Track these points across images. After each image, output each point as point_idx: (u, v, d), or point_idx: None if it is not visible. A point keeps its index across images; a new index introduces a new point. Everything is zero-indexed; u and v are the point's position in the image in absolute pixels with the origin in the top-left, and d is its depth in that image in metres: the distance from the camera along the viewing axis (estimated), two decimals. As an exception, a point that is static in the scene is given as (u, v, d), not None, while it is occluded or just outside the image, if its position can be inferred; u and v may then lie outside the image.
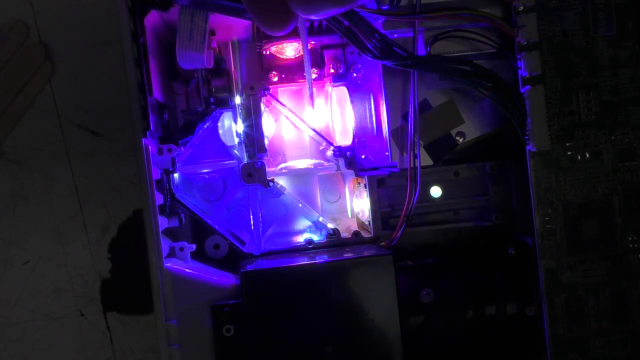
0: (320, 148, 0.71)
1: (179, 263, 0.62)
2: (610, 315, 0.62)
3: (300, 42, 0.66)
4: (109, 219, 0.81)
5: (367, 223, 0.69)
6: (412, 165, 0.66)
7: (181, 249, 0.64)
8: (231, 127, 0.69)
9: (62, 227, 0.81)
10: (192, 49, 0.58)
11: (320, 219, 0.70)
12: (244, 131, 0.66)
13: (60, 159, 0.80)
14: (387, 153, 0.68)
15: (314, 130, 0.70)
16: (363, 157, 0.67)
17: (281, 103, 0.69)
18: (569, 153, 0.62)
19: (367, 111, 0.69)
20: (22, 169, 0.80)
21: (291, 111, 0.70)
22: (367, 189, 0.68)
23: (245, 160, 0.66)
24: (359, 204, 0.72)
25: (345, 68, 0.68)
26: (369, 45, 0.61)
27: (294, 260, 0.62)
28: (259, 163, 0.65)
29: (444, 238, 0.70)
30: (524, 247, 0.65)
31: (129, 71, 0.59)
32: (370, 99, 0.69)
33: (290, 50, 0.69)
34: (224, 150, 0.68)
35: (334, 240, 0.69)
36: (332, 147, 0.68)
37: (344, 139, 0.70)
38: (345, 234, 0.70)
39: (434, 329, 0.64)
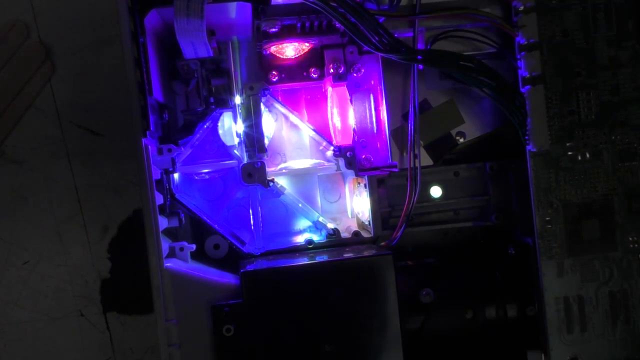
0: (320, 148, 0.71)
1: (179, 263, 0.62)
2: (610, 315, 0.62)
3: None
4: (109, 219, 0.81)
5: (367, 223, 0.69)
6: (412, 165, 0.66)
7: (181, 249, 0.64)
8: (231, 127, 0.69)
9: (62, 227, 0.81)
10: (190, 14, 0.57)
11: (321, 219, 0.70)
12: (244, 131, 0.66)
13: (60, 159, 0.80)
14: (387, 153, 0.68)
15: (314, 130, 0.70)
16: (363, 157, 0.67)
17: (281, 103, 0.69)
18: (569, 153, 0.62)
19: (367, 111, 0.69)
20: (22, 169, 0.80)
21: (291, 111, 0.70)
22: (367, 189, 0.68)
23: (245, 160, 0.66)
24: (359, 204, 0.72)
25: (345, 68, 0.68)
26: (373, 41, 0.61)
27: (294, 260, 0.62)
28: (259, 163, 0.65)
29: (444, 238, 0.70)
30: (524, 247, 0.65)
31: (129, 71, 0.59)
32: (370, 99, 0.69)
33: (290, 50, 0.69)
34: (224, 150, 0.68)
35: (334, 240, 0.69)
36: (332, 147, 0.68)
37: (344, 139, 0.69)
38: (345, 234, 0.70)
39: (434, 329, 0.64)
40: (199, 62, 0.66)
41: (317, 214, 0.71)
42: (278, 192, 0.68)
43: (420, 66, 0.67)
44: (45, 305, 0.80)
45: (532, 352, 0.65)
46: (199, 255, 0.67)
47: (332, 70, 0.68)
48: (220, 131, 0.69)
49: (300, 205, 0.70)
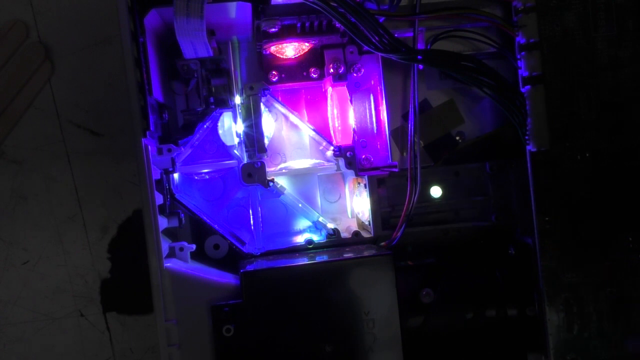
0: (320, 148, 0.71)
1: (179, 263, 0.62)
2: (610, 315, 0.62)
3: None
4: (109, 219, 0.81)
5: (367, 223, 0.69)
6: (412, 165, 0.66)
7: (181, 249, 0.64)
8: (231, 127, 0.69)
9: (62, 227, 0.80)
10: (190, 14, 0.57)
11: (320, 219, 0.70)
12: (244, 131, 0.66)
13: (60, 159, 0.80)
14: (387, 153, 0.68)
15: (314, 130, 0.70)
16: (363, 157, 0.67)
17: (281, 103, 0.69)
18: (569, 153, 0.62)
19: (367, 111, 0.69)
20: (22, 169, 0.80)
21: (291, 111, 0.70)
22: (367, 189, 0.68)
23: (245, 160, 0.66)
24: (359, 204, 0.72)
25: (345, 68, 0.68)
26: (373, 41, 0.61)
27: (294, 260, 0.62)
28: (258, 163, 0.65)
29: (444, 238, 0.70)
30: (524, 247, 0.65)
31: (129, 71, 0.59)
32: (370, 99, 0.69)
33: (290, 50, 0.69)
34: (224, 150, 0.68)
35: (334, 240, 0.69)
36: (332, 147, 0.68)
37: (344, 139, 0.70)
38: (345, 234, 0.70)
39: (434, 329, 0.64)
40: (199, 62, 0.66)
41: (317, 214, 0.71)
42: (278, 192, 0.68)
43: (420, 66, 0.67)
44: (45, 305, 0.80)
45: (532, 352, 0.65)
46: (199, 255, 0.67)
47: (332, 70, 0.68)
48: (220, 131, 0.69)
49: (300, 205, 0.70)
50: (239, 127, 0.67)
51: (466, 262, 0.67)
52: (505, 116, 0.65)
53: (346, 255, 0.63)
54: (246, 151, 0.66)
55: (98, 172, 0.80)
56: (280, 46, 0.68)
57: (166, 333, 0.59)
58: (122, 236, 0.81)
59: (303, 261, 0.62)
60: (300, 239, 0.69)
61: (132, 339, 0.81)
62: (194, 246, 0.65)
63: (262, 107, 0.67)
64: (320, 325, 0.60)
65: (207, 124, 0.67)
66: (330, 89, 0.71)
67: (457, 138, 0.70)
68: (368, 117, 0.69)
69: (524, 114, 0.62)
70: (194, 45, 0.61)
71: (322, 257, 0.64)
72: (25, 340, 0.80)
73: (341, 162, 0.68)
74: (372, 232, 0.68)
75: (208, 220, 0.67)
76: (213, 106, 0.67)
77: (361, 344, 0.61)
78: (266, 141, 0.68)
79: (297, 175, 0.73)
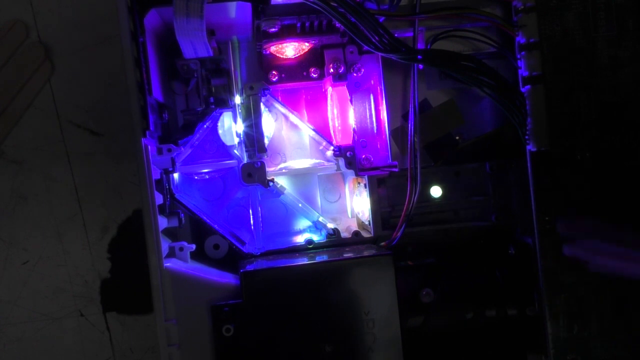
0: (320, 148, 0.71)
1: (178, 263, 0.62)
2: (610, 315, 0.62)
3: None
4: (109, 219, 0.81)
5: (367, 223, 0.69)
6: (412, 165, 0.66)
7: (181, 249, 0.64)
8: (231, 127, 0.69)
9: (62, 227, 0.80)
10: (190, 14, 0.57)
11: (321, 218, 0.70)
12: (243, 131, 0.66)
13: (60, 159, 0.80)
14: (387, 153, 0.68)
15: (314, 130, 0.70)
16: (363, 157, 0.67)
17: (281, 103, 0.69)
18: (569, 153, 0.62)
19: (367, 111, 0.69)
20: (22, 169, 0.80)
21: (291, 111, 0.70)
22: (367, 189, 0.68)
23: (245, 160, 0.66)
24: (359, 204, 0.72)
25: (345, 68, 0.68)
26: (373, 40, 0.61)
27: (294, 260, 0.62)
28: (258, 163, 0.65)
29: (444, 238, 0.70)
30: (524, 247, 0.65)
31: (129, 71, 0.59)
32: (370, 99, 0.69)
33: (290, 50, 0.69)
34: (224, 150, 0.68)
35: (334, 240, 0.69)
36: (332, 147, 0.68)
37: (344, 139, 0.69)
38: (345, 234, 0.70)
39: (434, 329, 0.64)
40: (199, 62, 0.66)
41: (317, 214, 0.71)
42: (278, 192, 0.68)
43: (420, 66, 0.67)
44: (45, 305, 0.80)
45: (532, 352, 0.65)
46: (199, 255, 0.67)
47: (332, 70, 0.68)
48: (220, 131, 0.69)
49: (300, 205, 0.70)
50: (239, 127, 0.67)
51: (466, 262, 0.67)
52: (505, 116, 0.65)
53: (346, 255, 0.63)
54: (246, 151, 0.66)
55: (98, 172, 0.80)
56: (280, 46, 0.68)
57: (166, 333, 0.59)
58: (122, 236, 0.81)
59: (303, 261, 0.62)
60: (300, 239, 0.69)
61: (132, 339, 0.81)
62: (194, 246, 0.65)
63: (262, 107, 0.67)
64: (320, 325, 0.60)
65: (207, 124, 0.67)
66: (330, 89, 0.71)
67: (457, 138, 0.70)
68: (368, 117, 0.69)
69: (524, 114, 0.62)
70: (194, 45, 0.61)
71: (322, 257, 0.64)
72: (25, 340, 0.80)
73: (341, 162, 0.68)
74: (372, 232, 0.68)
75: (208, 220, 0.67)
76: (213, 106, 0.67)
77: (361, 344, 0.61)
78: (266, 141, 0.68)
79: (297, 175, 0.73)
